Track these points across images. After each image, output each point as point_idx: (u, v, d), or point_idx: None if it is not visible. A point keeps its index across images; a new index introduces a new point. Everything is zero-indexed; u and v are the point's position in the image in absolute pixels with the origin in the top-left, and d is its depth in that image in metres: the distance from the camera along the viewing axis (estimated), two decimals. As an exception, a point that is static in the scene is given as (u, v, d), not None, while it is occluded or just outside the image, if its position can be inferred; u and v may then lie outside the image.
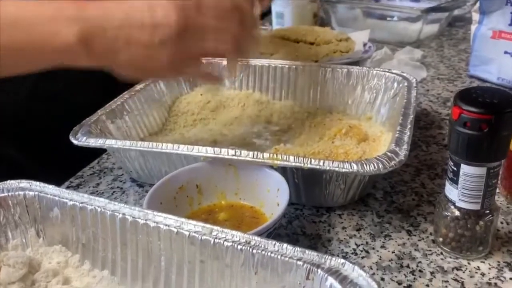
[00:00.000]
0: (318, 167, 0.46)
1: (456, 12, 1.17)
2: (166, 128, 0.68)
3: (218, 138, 0.63)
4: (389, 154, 0.47)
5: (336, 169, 0.46)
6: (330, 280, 0.33)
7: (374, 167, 0.45)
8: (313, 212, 0.53)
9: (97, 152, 0.67)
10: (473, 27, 0.85)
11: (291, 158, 0.47)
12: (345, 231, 0.50)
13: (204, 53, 0.47)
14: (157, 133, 0.67)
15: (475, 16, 0.85)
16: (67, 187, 0.61)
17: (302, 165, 0.47)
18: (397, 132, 0.50)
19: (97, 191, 0.60)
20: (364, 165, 0.46)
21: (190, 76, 0.53)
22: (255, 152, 0.49)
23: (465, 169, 0.42)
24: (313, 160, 0.47)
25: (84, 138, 0.55)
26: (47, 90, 0.71)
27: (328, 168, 0.46)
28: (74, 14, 0.43)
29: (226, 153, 0.49)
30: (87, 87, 0.72)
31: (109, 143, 0.54)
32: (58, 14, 0.43)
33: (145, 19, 0.43)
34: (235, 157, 0.49)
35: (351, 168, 0.46)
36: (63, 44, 0.43)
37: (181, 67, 0.47)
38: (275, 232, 0.46)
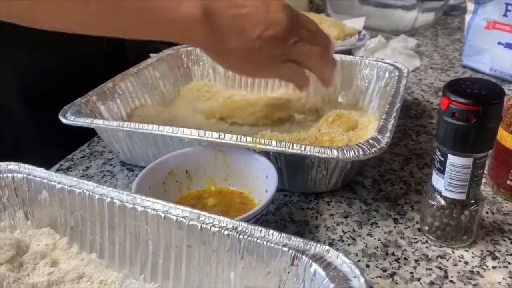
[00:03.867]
0: (299, 152, 0.47)
1: (452, 1, 1.17)
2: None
3: (207, 123, 0.64)
4: (370, 141, 0.47)
5: (317, 154, 0.46)
6: (315, 266, 0.34)
7: (355, 153, 0.46)
8: (301, 199, 0.53)
9: (89, 136, 0.67)
10: (467, 17, 0.85)
11: (273, 142, 0.48)
12: (333, 218, 0.50)
13: (300, 56, 0.51)
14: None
15: (470, 6, 0.85)
16: (57, 170, 0.61)
17: (284, 149, 0.47)
18: (382, 120, 0.51)
19: (87, 175, 0.60)
20: (345, 151, 0.46)
21: (284, 77, 0.54)
22: (239, 136, 0.49)
23: (451, 159, 0.42)
24: (294, 145, 0.47)
25: (73, 117, 0.55)
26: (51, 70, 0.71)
27: (309, 153, 0.47)
28: None
29: (210, 135, 0.50)
30: (93, 69, 0.72)
31: (96, 122, 0.54)
32: None
33: (260, 15, 0.47)
34: (218, 140, 0.49)
35: (331, 153, 0.46)
36: (187, 14, 0.44)
37: (279, 64, 0.50)
38: (262, 218, 0.47)
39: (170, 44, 0.79)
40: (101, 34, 0.46)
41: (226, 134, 0.50)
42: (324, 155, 0.46)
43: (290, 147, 0.47)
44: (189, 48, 0.76)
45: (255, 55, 0.48)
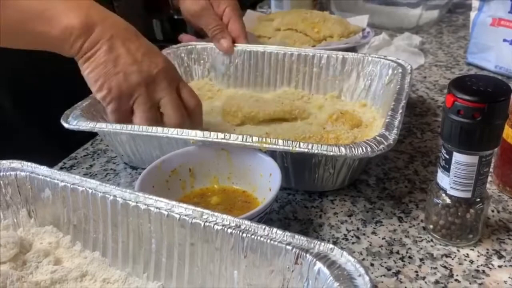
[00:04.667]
0: (306, 150, 0.46)
1: (457, -2, 1.16)
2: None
3: (209, 121, 0.63)
4: (378, 138, 0.47)
5: (325, 152, 0.46)
6: (319, 265, 0.33)
7: (363, 150, 0.45)
8: (305, 197, 0.53)
9: (93, 134, 0.67)
10: (473, 14, 0.85)
11: (280, 141, 0.47)
12: (337, 216, 0.50)
13: (161, 105, 0.54)
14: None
15: (475, 3, 0.84)
16: (61, 168, 0.61)
17: (291, 148, 0.47)
18: (388, 117, 0.50)
19: (90, 173, 0.60)
20: (353, 149, 0.46)
21: (136, 119, 0.54)
22: (244, 136, 0.49)
23: (457, 157, 0.42)
24: (301, 144, 0.47)
25: (75, 121, 0.55)
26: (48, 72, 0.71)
27: (316, 151, 0.46)
28: (82, 5, 0.50)
29: (215, 136, 0.49)
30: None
31: (99, 126, 0.54)
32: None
33: (134, 58, 0.51)
34: (224, 141, 0.49)
35: (339, 151, 0.46)
36: (67, 25, 0.48)
37: (124, 98, 0.52)
38: (266, 217, 0.47)
39: (171, 42, 0.78)
40: None
41: (232, 135, 0.49)
42: (331, 153, 0.46)
43: (297, 145, 0.47)
44: (189, 47, 0.76)
45: (109, 75, 0.51)
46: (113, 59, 0.50)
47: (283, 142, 0.47)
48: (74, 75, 0.71)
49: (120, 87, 0.51)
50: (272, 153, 0.50)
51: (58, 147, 0.65)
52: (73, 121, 0.55)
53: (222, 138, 0.49)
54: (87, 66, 0.51)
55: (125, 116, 0.53)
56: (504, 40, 0.80)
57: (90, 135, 0.67)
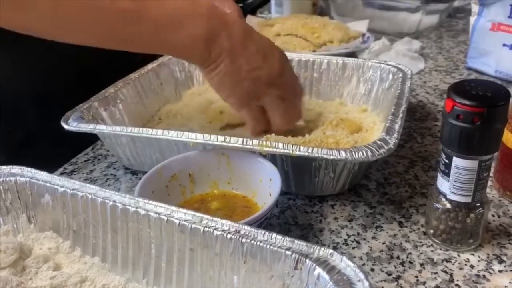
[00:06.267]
0: (306, 154, 0.46)
1: (457, 3, 1.16)
2: (160, 118, 0.68)
3: (211, 128, 0.63)
4: (378, 142, 0.47)
5: (325, 156, 0.46)
6: (318, 270, 0.33)
7: (363, 154, 0.45)
8: (305, 202, 0.53)
9: (93, 140, 0.67)
10: (472, 19, 0.85)
11: (280, 145, 0.47)
12: (337, 221, 0.50)
13: (269, 105, 0.55)
14: (150, 122, 0.67)
15: (475, 8, 0.84)
16: (61, 174, 0.61)
17: (291, 152, 0.47)
18: (389, 121, 0.50)
19: (90, 178, 0.60)
20: (353, 153, 0.46)
21: (248, 115, 0.56)
22: (244, 139, 0.49)
23: (457, 161, 0.42)
24: (301, 148, 0.47)
25: (75, 123, 0.55)
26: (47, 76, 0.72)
27: (316, 155, 0.46)
28: (206, 13, 0.49)
29: (215, 139, 0.49)
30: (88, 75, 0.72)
31: (100, 128, 0.54)
32: (195, 8, 0.49)
33: (259, 56, 0.52)
34: (224, 143, 0.49)
35: (339, 155, 0.46)
36: (191, 39, 0.48)
37: (251, 101, 0.54)
38: (266, 222, 0.46)
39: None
40: (109, 47, 0.48)
41: (232, 138, 0.49)
42: (332, 157, 0.46)
43: (297, 149, 0.47)
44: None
45: (235, 84, 0.52)
46: (236, 70, 0.51)
47: (283, 145, 0.48)
48: (74, 78, 0.72)
49: (247, 93, 0.53)
50: (272, 157, 0.50)
51: (60, 153, 0.65)
52: (73, 123, 0.55)
53: (222, 141, 0.49)
54: (212, 76, 0.52)
55: (260, 112, 0.55)
56: (504, 45, 0.80)
57: (91, 140, 0.67)
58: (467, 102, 0.39)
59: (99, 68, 0.71)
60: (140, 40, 0.48)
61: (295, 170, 0.51)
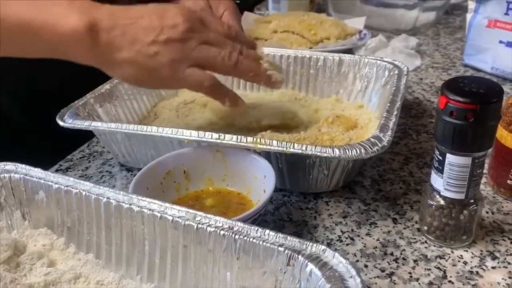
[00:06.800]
0: (300, 151, 0.46)
1: (454, 0, 1.16)
2: (156, 114, 0.68)
3: (208, 125, 0.63)
4: (372, 139, 0.47)
5: (319, 153, 0.46)
6: (310, 266, 0.33)
7: (356, 152, 0.45)
8: (300, 199, 0.53)
9: (89, 136, 0.67)
10: (469, 16, 0.85)
11: (274, 142, 0.48)
12: (331, 218, 0.50)
13: (204, 59, 0.48)
14: (146, 118, 0.67)
15: (471, 5, 0.84)
16: (56, 170, 0.61)
17: (285, 149, 0.47)
18: (383, 119, 0.50)
19: (85, 175, 0.60)
20: (347, 150, 0.46)
21: (191, 84, 0.49)
22: (239, 136, 0.49)
23: (450, 158, 0.42)
24: (295, 145, 0.47)
25: (71, 120, 0.55)
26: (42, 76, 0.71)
27: (310, 152, 0.46)
28: (87, 5, 0.45)
29: (210, 136, 0.49)
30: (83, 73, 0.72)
31: (95, 125, 0.54)
32: (67, 4, 0.45)
33: (153, 21, 0.46)
34: (218, 141, 0.49)
35: (333, 153, 0.46)
36: (70, 28, 0.44)
37: (181, 70, 0.47)
38: (260, 219, 0.47)
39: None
40: None
41: (226, 135, 0.49)
42: (325, 154, 0.46)
43: (291, 146, 0.47)
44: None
45: (151, 63, 0.46)
46: (141, 49, 0.46)
47: (277, 143, 0.48)
48: (72, 77, 0.72)
49: (169, 63, 0.46)
50: (267, 154, 0.50)
51: (56, 149, 0.65)
52: (69, 120, 0.55)
53: (217, 138, 0.49)
54: (120, 71, 0.47)
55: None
56: (500, 42, 0.80)
57: (86, 137, 0.67)
58: (460, 99, 0.39)
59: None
60: (12, 41, 0.45)
61: (290, 167, 0.51)
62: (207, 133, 0.50)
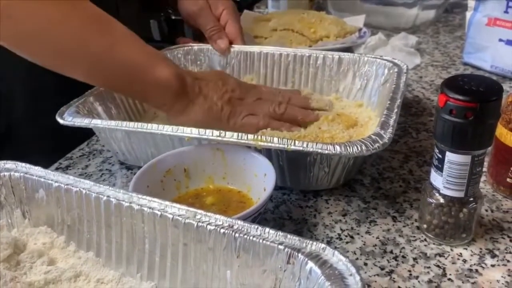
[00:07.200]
0: (301, 148, 0.46)
1: (453, -2, 1.16)
2: (156, 113, 0.68)
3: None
4: (373, 136, 0.47)
5: (320, 150, 0.46)
6: (310, 264, 0.33)
7: (357, 149, 0.45)
8: (300, 197, 0.53)
9: (88, 135, 0.67)
10: (468, 14, 0.85)
11: (275, 139, 0.48)
12: (331, 216, 0.50)
13: (258, 111, 0.59)
14: (146, 116, 0.67)
15: (471, 3, 0.84)
16: (56, 169, 0.61)
17: (286, 146, 0.47)
18: (383, 116, 0.50)
19: (85, 173, 0.60)
20: (348, 147, 0.46)
21: (248, 128, 0.57)
22: (239, 134, 0.49)
23: (450, 156, 0.42)
24: (296, 142, 0.47)
25: (71, 118, 0.55)
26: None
27: (311, 149, 0.46)
28: (173, 63, 0.58)
29: (210, 134, 0.49)
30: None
31: (95, 122, 0.54)
32: (163, 58, 0.58)
33: (219, 85, 0.59)
34: (219, 138, 0.49)
35: (334, 150, 0.46)
36: (165, 76, 0.54)
37: (239, 119, 0.58)
38: (260, 217, 0.47)
39: (169, 43, 0.78)
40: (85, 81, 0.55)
41: (227, 133, 0.49)
42: (326, 152, 0.46)
43: (292, 144, 0.47)
44: (186, 48, 0.76)
45: (218, 114, 0.57)
46: (211, 101, 0.58)
47: (278, 140, 0.48)
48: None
49: (231, 114, 0.58)
50: (268, 152, 0.50)
51: (55, 147, 0.65)
52: (69, 117, 0.55)
53: (217, 136, 0.49)
54: (192, 113, 0.57)
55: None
56: (500, 40, 0.80)
57: (86, 135, 0.67)
58: (460, 97, 0.39)
59: None
60: (116, 80, 0.55)
61: (290, 165, 0.51)
62: (207, 130, 0.50)
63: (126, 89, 0.57)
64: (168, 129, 0.51)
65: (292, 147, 0.47)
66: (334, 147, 0.46)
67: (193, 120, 0.56)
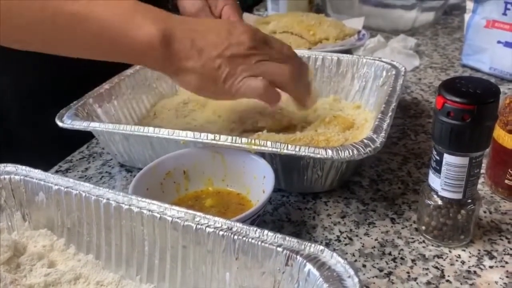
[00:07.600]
0: (294, 152, 0.47)
1: (452, 0, 1.16)
2: (155, 114, 0.68)
3: (206, 124, 0.63)
4: (365, 141, 0.47)
5: (312, 155, 0.46)
6: (309, 266, 0.34)
7: (349, 153, 0.46)
8: (299, 199, 0.53)
9: (88, 137, 0.67)
10: (467, 16, 0.85)
11: (269, 143, 0.48)
12: (330, 218, 0.50)
13: (263, 73, 0.50)
14: (145, 117, 0.67)
15: (469, 5, 0.85)
16: (56, 171, 0.61)
17: (279, 150, 0.47)
18: (377, 120, 0.51)
19: (85, 176, 0.60)
20: (339, 151, 0.46)
21: (248, 92, 0.50)
22: (234, 137, 0.49)
23: (447, 158, 0.42)
24: (289, 146, 0.47)
25: (70, 121, 0.55)
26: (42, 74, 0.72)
27: (303, 154, 0.46)
28: (162, 15, 0.48)
29: (205, 137, 0.50)
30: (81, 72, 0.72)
31: (93, 125, 0.54)
32: (145, 12, 0.47)
33: (221, 37, 0.49)
34: (214, 141, 0.49)
35: (326, 154, 0.46)
36: (147, 39, 0.46)
37: (238, 81, 0.50)
38: (259, 219, 0.47)
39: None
40: (63, 54, 0.48)
41: (222, 136, 0.50)
42: (318, 156, 0.46)
43: (285, 148, 0.47)
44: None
45: (214, 74, 0.49)
46: (208, 60, 0.49)
47: (271, 144, 0.48)
48: (71, 77, 0.72)
49: (231, 75, 0.49)
50: (262, 155, 0.50)
51: (56, 150, 0.65)
52: (68, 120, 0.55)
53: (212, 139, 0.50)
54: (185, 78, 0.49)
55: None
56: (498, 42, 0.80)
57: (86, 138, 0.67)
58: (457, 99, 0.39)
59: (92, 65, 0.71)
60: (92, 43, 0.47)
61: (284, 168, 0.51)
62: (202, 133, 0.50)
63: (107, 56, 0.49)
64: (163, 133, 0.51)
65: (285, 151, 0.47)
66: (326, 152, 0.46)
67: (187, 83, 0.50)
